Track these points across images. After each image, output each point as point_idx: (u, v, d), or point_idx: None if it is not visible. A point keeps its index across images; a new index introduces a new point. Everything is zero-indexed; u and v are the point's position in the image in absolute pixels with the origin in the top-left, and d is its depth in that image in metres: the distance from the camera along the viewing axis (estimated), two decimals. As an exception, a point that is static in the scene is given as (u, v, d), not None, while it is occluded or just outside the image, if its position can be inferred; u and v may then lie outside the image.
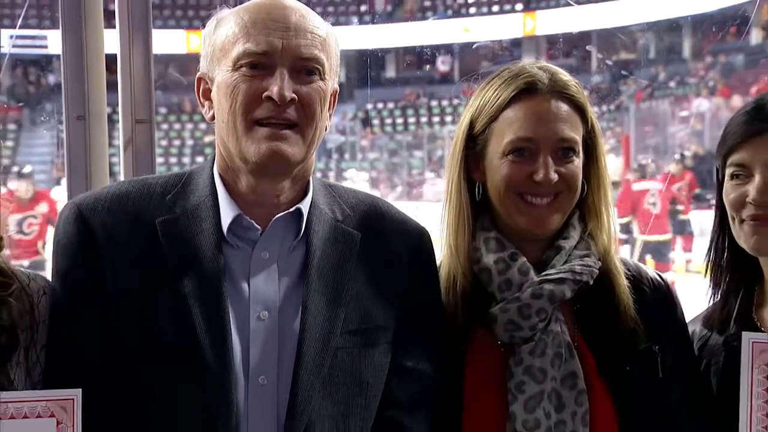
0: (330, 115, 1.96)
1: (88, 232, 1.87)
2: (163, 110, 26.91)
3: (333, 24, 1.97)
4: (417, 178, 25.11)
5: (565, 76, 2.06)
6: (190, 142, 27.71)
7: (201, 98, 1.96)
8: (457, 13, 32.03)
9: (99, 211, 1.89)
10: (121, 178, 2.62)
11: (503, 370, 1.98)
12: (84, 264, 1.87)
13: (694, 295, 2.18)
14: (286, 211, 1.90)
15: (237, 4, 1.94)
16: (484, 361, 2.00)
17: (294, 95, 1.83)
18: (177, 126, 28.24)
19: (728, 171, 1.99)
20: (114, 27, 2.65)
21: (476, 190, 2.08)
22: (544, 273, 2.01)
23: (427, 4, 32.84)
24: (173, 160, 26.46)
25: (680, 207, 15.14)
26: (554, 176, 1.98)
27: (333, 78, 1.93)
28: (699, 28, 27.95)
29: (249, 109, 1.84)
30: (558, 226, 2.05)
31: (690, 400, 2.02)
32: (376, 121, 30.45)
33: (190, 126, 27.63)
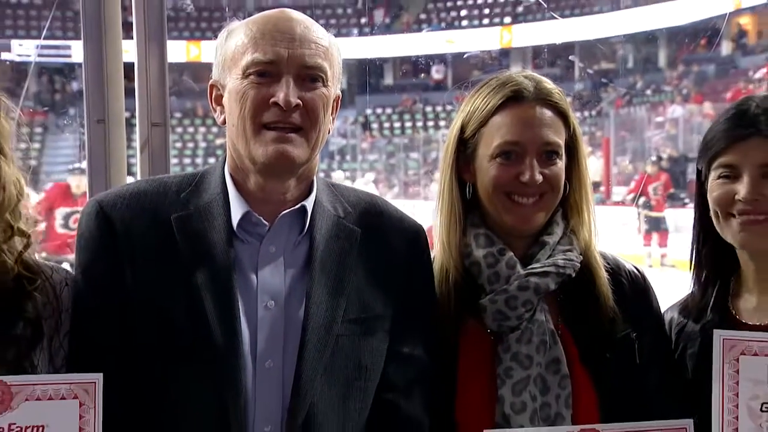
0: (333, 119, 1.96)
1: (109, 227, 1.87)
2: (177, 115, 26.94)
3: (335, 35, 1.97)
4: (413, 178, 25.13)
5: (549, 84, 2.06)
6: (203, 145, 27.74)
7: (213, 103, 1.96)
8: (450, 26, 32.07)
9: (119, 207, 1.89)
10: (138, 177, 2.61)
11: (492, 357, 1.98)
12: (104, 257, 1.86)
13: (669, 287, 2.18)
14: (292, 208, 1.90)
15: (245, 16, 1.94)
16: (475, 349, 2.00)
17: (299, 101, 1.83)
18: (191, 129, 28.26)
19: (715, 172, 1.99)
20: (132, 38, 2.65)
21: (467, 189, 2.07)
22: (529, 267, 2.01)
23: (423, 17, 32.87)
24: (187, 161, 26.46)
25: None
26: (539, 177, 1.98)
27: (335, 84, 1.92)
28: (673, 40, 28.03)
29: (257, 114, 1.84)
30: (542, 223, 2.04)
31: (666, 384, 2.01)
32: (375, 125, 30.50)
33: (203, 129, 27.64)
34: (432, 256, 2.08)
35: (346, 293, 1.88)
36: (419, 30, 31.51)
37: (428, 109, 30.67)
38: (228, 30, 1.93)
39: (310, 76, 1.85)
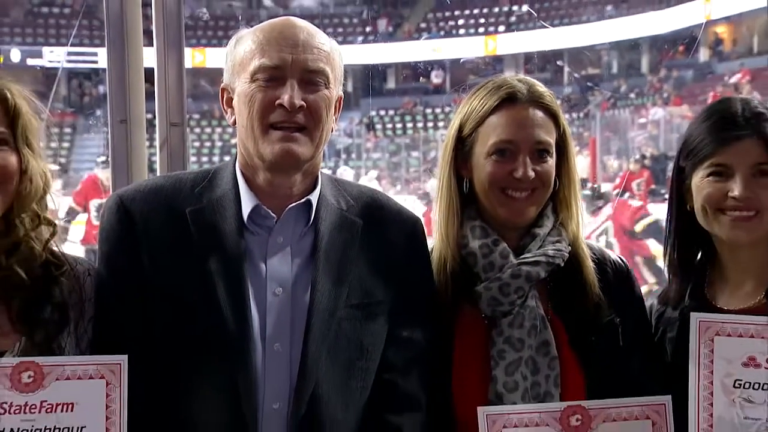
0: (336, 119, 1.96)
1: (129, 220, 1.87)
2: (196, 116, 26.97)
3: (341, 43, 1.97)
4: (413, 174, 25.13)
5: (541, 87, 2.05)
6: (219, 144, 27.74)
7: (225, 106, 1.96)
8: (448, 34, 32.10)
9: (138, 201, 1.88)
10: (158, 173, 2.61)
11: (486, 340, 1.97)
12: (125, 247, 1.86)
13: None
14: (298, 202, 1.90)
15: (251, 24, 1.94)
16: (470, 333, 1.99)
17: (302, 102, 1.83)
18: (208, 130, 28.29)
19: (704, 170, 1.97)
20: (152, 45, 2.65)
21: (464, 185, 2.07)
22: (521, 256, 2.00)
23: (423, 26, 32.90)
24: (204, 159, 26.46)
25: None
26: (531, 174, 1.98)
27: (337, 86, 1.92)
28: (655, 47, 28.06)
29: (264, 115, 1.84)
30: (534, 216, 2.04)
31: (647, 365, 2.01)
32: (378, 126, 30.53)
33: (219, 130, 27.65)
34: (430, 247, 2.07)
35: (348, 281, 1.88)
36: (419, 38, 31.53)
37: (428, 111, 30.68)
38: (237, 37, 1.93)
39: (312, 79, 1.85)
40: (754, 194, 1.92)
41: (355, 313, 1.87)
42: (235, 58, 1.90)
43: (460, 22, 32.29)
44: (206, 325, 1.79)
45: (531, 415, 1.75)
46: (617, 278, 2.07)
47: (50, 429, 1.59)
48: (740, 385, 1.74)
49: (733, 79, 24.50)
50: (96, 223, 9.40)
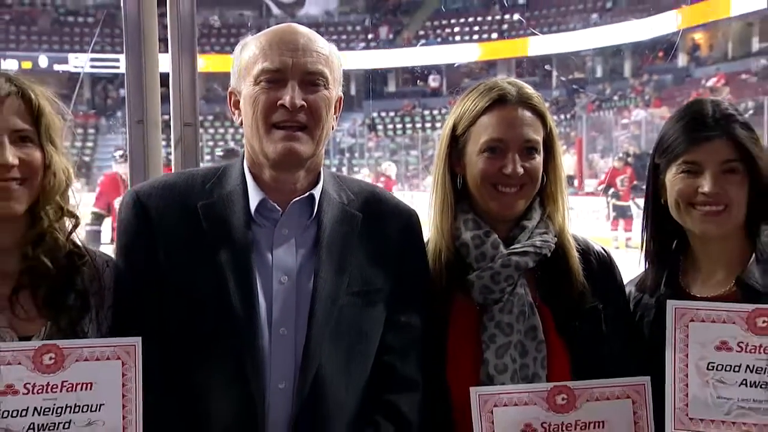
0: (336, 118, 1.95)
1: (145, 214, 1.86)
2: (210, 118, 27.00)
3: (344, 49, 1.98)
4: (413, 172, 25.14)
5: (529, 89, 2.04)
6: (231, 143, 27.74)
7: (232, 108, 1.96)
8: (445, 41, 32.10)
9: (153, 196, 1.88)
10: (173, 170, 2.61)
11: (478, 326, 1.97)
12: (141, 240, 1.86)
13: (633, 265, 2.18)
14: (302, 196, 1.89)
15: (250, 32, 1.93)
16: (463, 319, 1.99)
17: (303, 102, 1.83)
18: (221, 130, 28.32)
19: (677, 167, 1.97)
20: (167, 51, 2.65)
21: (458, 180, 2.06)
22: (511, 247, 2.00)
23: (421, 33, 32.86)
24: (218, 157, 26.50)
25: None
26: (520, 170, 1.97)
27: (336, 87, 1.91)
28: (637, 53, 28.06)
29: (267, 115, 1.83)
30: (523, 209, 2.03)
31: (627, 348, 2.00)
32: (380, 127, 30.55)
33: (231, 130, 27.67)
34: (426, 239, 2.06)
35: (349, 270, 1.87)
36: (418, 44, 31.55)
37: (426, 112, 30.72)
38: (242, 43, 1.93)
39: (312, 81, 1.85)
40: (722, 190, 1.92)
41: (356, 300, 1.87)
42: (240, 63, 1.89)
43: (456, 29, 32.30)
44: (217, 311, 1.79)
45: (520, 395, 1.75)
46: (600, 267, 2.06)
47: (71, 407, 1.58)
48: (713, 367, 1.74)
49: (710, 83, 24.51)
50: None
